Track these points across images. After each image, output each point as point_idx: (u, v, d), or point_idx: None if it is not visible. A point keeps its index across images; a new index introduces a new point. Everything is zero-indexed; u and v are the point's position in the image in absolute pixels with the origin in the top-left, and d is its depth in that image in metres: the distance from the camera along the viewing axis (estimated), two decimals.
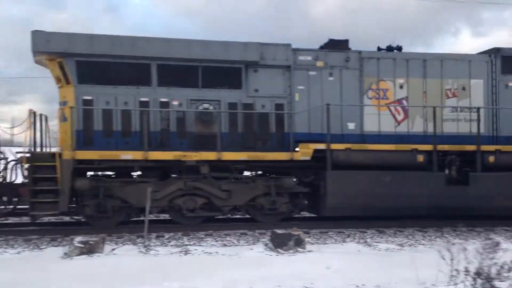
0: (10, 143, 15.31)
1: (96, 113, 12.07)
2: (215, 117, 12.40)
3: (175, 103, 12.46)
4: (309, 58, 13.07)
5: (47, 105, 73.27)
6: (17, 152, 12.07)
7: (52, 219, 13.64)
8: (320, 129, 12.90)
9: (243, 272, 7.73)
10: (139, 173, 12.51)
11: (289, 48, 12.88)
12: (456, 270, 4.56)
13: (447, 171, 13.10)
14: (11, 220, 13.50)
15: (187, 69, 12.42)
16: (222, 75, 12.56)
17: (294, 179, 12.69)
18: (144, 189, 11.56)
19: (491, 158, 13.09)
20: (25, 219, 13.03)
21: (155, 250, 9.89)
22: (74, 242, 9.43)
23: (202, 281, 7.29)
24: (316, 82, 13.06)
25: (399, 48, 13.88)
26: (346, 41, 13.49)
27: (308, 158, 12.45)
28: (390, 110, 13.38)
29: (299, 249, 9.65)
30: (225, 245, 10.57)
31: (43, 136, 12.70)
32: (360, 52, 13.33)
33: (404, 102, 13.46)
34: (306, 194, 12.90)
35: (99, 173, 12.22)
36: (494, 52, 13.91)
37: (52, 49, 11.70)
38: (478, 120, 13.20)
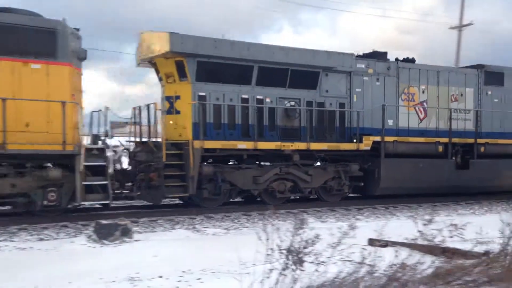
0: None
1: (209, 107, 13.67)
2: (298, 113, 14.76)
3: (268, 100, 14.53)
4: (363, 65, 15.97)
5: None
6: (142, 142, 13.23)
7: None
8: (370, 124, 15.94)
9: (61, 268, 7.11)
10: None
11: (353, 57, 15.66)
12: (272, 249, 4.68)
13: (453, 158, 17.09)
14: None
15: (280, 71, 14.53)
16: (304, 77, 14.89)
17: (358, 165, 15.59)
18: (249, 174, 13.65)
19: (482, 149, 17.41)
20: None
21: None
22: None
23: (3, 282, 6.42)
24: (368, 86, 16.04)
25: (413, 60, 17.39)
26: (386, 53, 16.64)
27: (368, 148, 15.48)
28: (416, 110, 16.90)
29: (126, 239, 9.27)
30: (42, 239, 9.85)
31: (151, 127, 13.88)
32: (397, 62, 16.58)
33: (425, 104, 17.08)
34: (361, 177, 15.89)
35: (210, 160, 13.84)
36: (480, 67, 18.16)
37: (184, 50, 13.04)
38: (477, 120, 17.42)
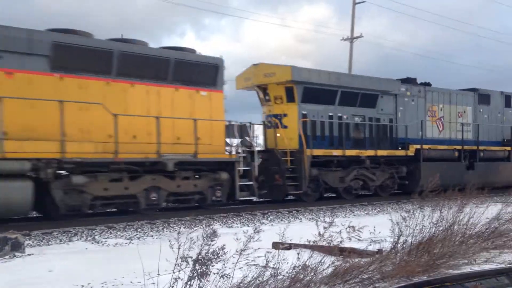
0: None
1: (309, 123, 17.35)
2: (365, 127, 18.87)
3: (345, 116, 18.47)
4: (404, 89, 20.38)
5: None
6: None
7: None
8: (404, 135, 20.33)
9: None
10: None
11: (399, 82, 20.02)
12: (182, 258, 4.52)
13: (463, 161, 21.98)
14: None
15: (354, 94, 18.53)
16: (368, 98, 19.01)
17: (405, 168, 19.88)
18: (338, 175, 17.56)
19: (481, 154, 22.47)
20: None
21: None
22: None
23: None
24: (407, 106, 20.47)
25: (429, 84, 22.11)
26: (415, 79, 21.21)
27: (413, 154, 19.87)
28: (437, 124, 21.59)
29: (17, 254, 8.60)
30: None
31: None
32: (425, 86, 21.18)
33: (442, 119, 21.82)
34: (405, 177, 20.21)
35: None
36: (475, 90, 23.30)
37: (299, 79, 16.70)
38: (477, 132, 22.44)
